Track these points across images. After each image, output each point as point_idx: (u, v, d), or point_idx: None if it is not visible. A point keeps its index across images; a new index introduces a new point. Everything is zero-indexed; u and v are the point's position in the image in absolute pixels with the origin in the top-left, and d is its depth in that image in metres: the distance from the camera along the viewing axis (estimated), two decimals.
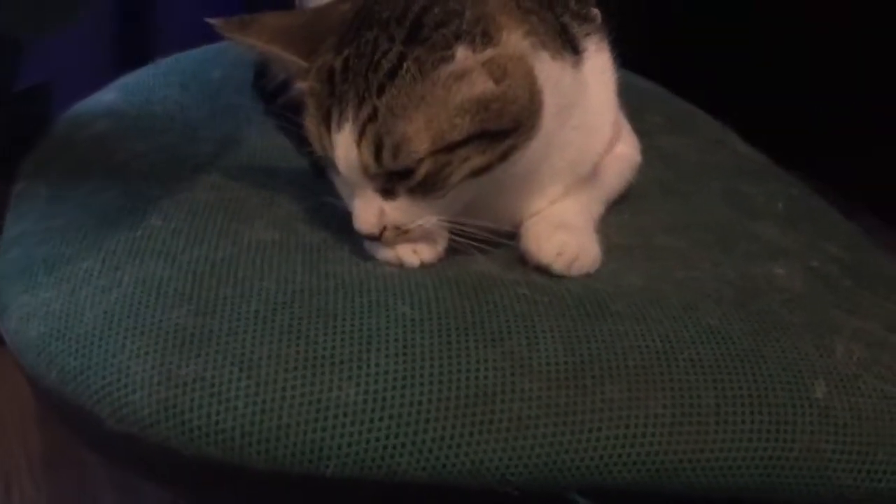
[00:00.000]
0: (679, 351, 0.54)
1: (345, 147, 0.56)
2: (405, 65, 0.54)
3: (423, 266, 0.60)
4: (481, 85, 0.55)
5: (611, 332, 0.55)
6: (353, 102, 0.55)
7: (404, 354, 0.52)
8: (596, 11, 0.71)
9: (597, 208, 0.71)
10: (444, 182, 0.56)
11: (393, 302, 0.55)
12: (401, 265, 0.59)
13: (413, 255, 0.59)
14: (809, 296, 0.63)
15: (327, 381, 0.50)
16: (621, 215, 0.74)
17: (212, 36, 0.61)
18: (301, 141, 0.67)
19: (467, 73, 0.54)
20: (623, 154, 0.74)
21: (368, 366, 0.51)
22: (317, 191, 0.65)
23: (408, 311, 0.54)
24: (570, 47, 0.64)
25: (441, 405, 0.50)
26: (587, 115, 0.65)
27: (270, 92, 0.78)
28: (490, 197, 0.62)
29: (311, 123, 0.58)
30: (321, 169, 0.63)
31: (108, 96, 0.85)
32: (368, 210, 0.57)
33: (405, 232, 0.58)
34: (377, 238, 0.58)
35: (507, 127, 0.56)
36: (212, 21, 0.60)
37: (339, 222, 0.62)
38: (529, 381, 0.51)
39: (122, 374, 0.51)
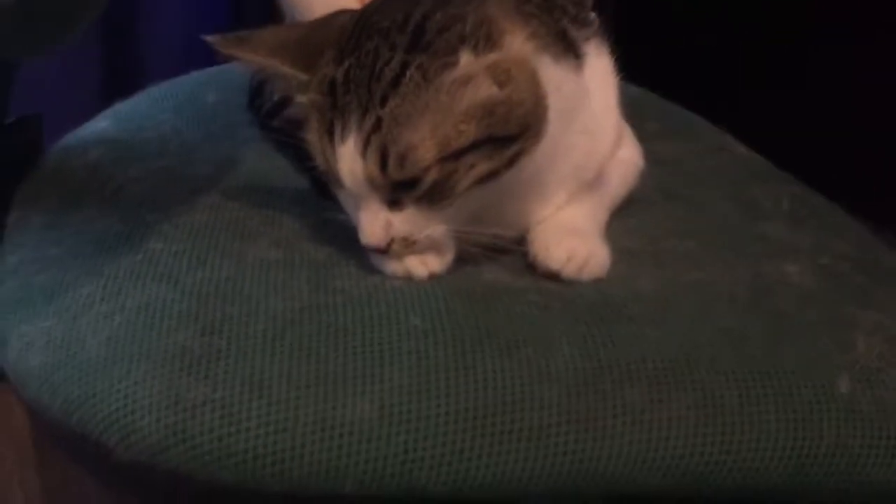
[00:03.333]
0: (699, 352, 0.53)
1: (349, 159, 0.55)
2: (408, 72, 0.53)
3: (432, 277, 0.59)
4: (486, 89, 0.54)
5: (628, 335, 0.54)
6: (356, 113, 0.54)
7: (418, 367, 0.50)
8: (594, 16, 0.71)
9: (603, 213, 0.70)
10: (451, 190, 0.55)
11: (404, 314, 0.54)
12: (409, 277, 0.58)
13: (422, 266, 0.58)
14: (824, 292, 0.62)
15: (341, 398, 0.49)
16: (627, 220, 0.73)
17: (199, 55, 0.60)
18: (300, 159, 0.67)
19: (471, 78, 0.53)
20: (626, 159, 0.74)
21: (382, 380, 0.50)
22: (319, 208, 0.64)
23: (419, 323, 0.53)
24: (571, 51, 0.64)
25: (459, 417, 0.49)
26: (591, 118, 0.65)
27: (266, 112, 0.77)
28: (497, 204, 0.61)
29: (313, 137, 0.57)
30: (323, 186, 0.62)
31: (100, 124, 0.84)
32: (375, 222, 0.56)
33: (413, 243, 0.57)
34: (384, 251, 0.57)
35: (513, 132, 0.55)
36: (209, 38, 0.59)
37: (343, 239, 0.61)
38: (548, 388, 0.50)
39: (129, 400, 0.49)
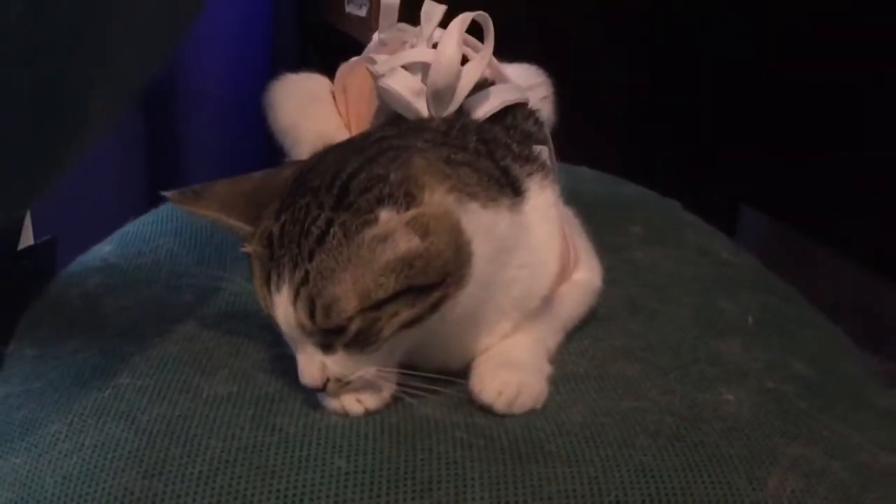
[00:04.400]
0: (606, 494, 0.55)
1: (283, 307, 0.59)
2: (332, 230, 0.58)
3: (368, 414, 0.62)
4: (405, 244, 0.58)
5: (540, 475, 0.56)
6: (288, 266, 0.59)
7: None
8: (539, 150, 0.74)
9: (553, 339, 0.72)
10: (376, 336, 0.59)
11: (330, 455, 0.58)
12: (346, 414, 0.62)
13: (357, 404, 0.62)
14: (755, 423, 0.63)
15: None
16: (582, 341, 0.76)
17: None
18: None
19: (390, 234, 0.58)
20: (581, 281, 0.77)
21: None
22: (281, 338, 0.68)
23: (343, 464, 0.57)
24: (511, 190, 0.67)
25: None
26: (530, 253, 0.68)
27: None
28: (436, 339, 0.65)
29: (255, 284, 0.62)
30: None
31: (104, 249, 0.91)
32: (311, 364, 0.60)
33: (346, 383, 0.61)
34: (322, 389, 0.61)
35: (433, 280, 0.59)
36: (166, 193, 0.65)
37: (295, 372, 0.65)
38: None
39: None
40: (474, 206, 0.62)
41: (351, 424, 0.61)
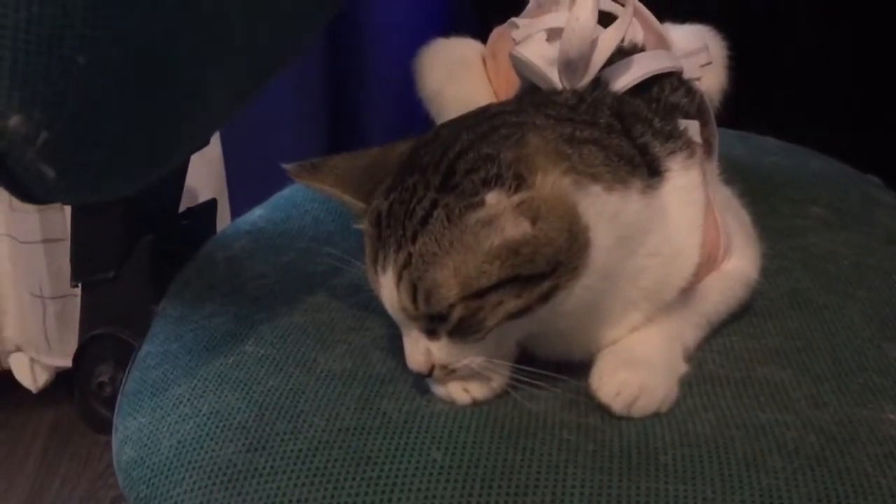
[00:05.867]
0: None
1: (388, 290, 0.57)
2: (435, 212, 0.55)
3: (476, 403, 0.60)
4: (512, 230, 0.54)
5: (648, 490, 0.51)
6: (393, 247, 0.57)
7: None
8: (686, 125, 0.67)
9: (692, 335, 0.66)
10: (479, 326, 0.56)
11: (428, 446, 0.56)
12: (453, 402, 0.60)
13: (464, 393, 0.59)
14: None
15: None
16: (729, 339, 0.69)
17: None
18: None
19: (496, 218, 0.54)
20: (732, 271, 0.70)
21: None
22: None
23: (439, 457, 0.55)
24: (648, 169, 0.62)
25: None
26: (664, 240, 0.62)
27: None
28: (556, 329, 0.61)
29: (367, 263, 0.61)
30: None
31: (256, 213, 0.93)
32: (415, 350, 0.58)
33: (452, 371, 0.58)
34: (428, 376, 0.59)
35: (542, 270, 0.55)
36: (286, 166, 0.65)
37: None
38: None
39: None
40: (596, 190, 0.57)
41: (456, 414, 0.59)
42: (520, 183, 0.54)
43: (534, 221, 0.54)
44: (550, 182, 0.55)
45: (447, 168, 0.55)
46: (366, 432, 0.57)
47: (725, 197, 0.76)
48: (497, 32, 0.89)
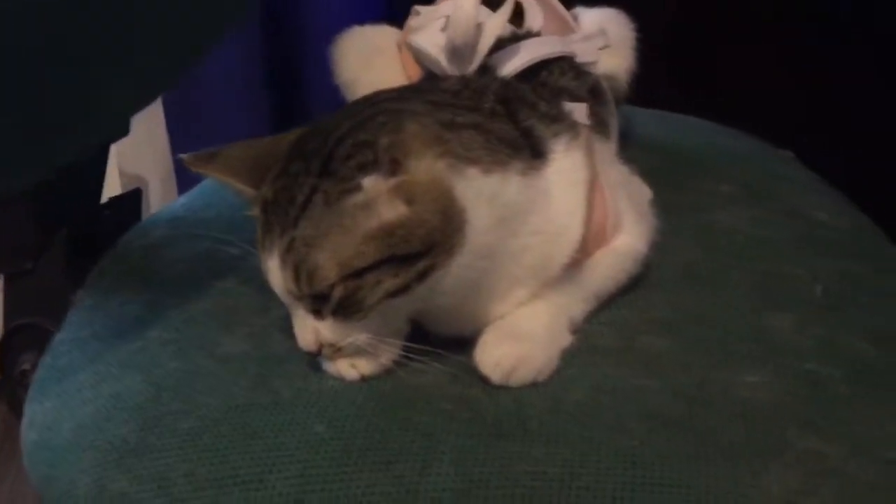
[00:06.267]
0: (577, 478, 0.53)
1: (275, 273, 0.60)
2: (315, 197, 0.57)
3: (365, 379, 0.62)
4: (387, 212, 0.57)
5: (512, 454, 0.54)
6: (278, 232, 0.59)
7: (301, 477, 0.55)
8: (572, 108, 0.70)
9: (579, 308, 0.69)
10: (360, 304, 0.58)
11: (313, 420, 0.58)
12: (342, 378, 0.62)
13: (351, 369, 0.62)
14: (770, 410, 0.58)
15: (229, 502, 0.54)
16: (619, 311, 0.72)
17: None
18: None
19: (372, 201, 0.56)
20: (620, 247, 0.72)
21: (266, 487, 0.54)
22: None
23: (322, 430, 0.57)
24: (531, 151, 0.64)
25: None
26: (547, 220, 0.64)
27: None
28: (444, 306, 0.63)
29: (257, 248, 0.63)
30: None
31: (179, 201, 0.95)
32: (304, 329, 0.61)
33: (339, 349, 0.61)
34: (318, 354, 0.62)
35: (417, 249, 0.57)
36: (182, 156, 0.67)
37: None
38: None
39: (73, 487, 0.58)
40: (473, 172, 0.59)
41: (343, 390, 0.61)
42: (395, 168, 0.56)
43: (409, 204, 0.57)
44: (425, 166, 0.57)
45: (327, 155, 0.58)
46: (255, 409, 0.60)
47: (621, 175, 0.78)
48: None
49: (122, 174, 1.56)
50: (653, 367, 0.63)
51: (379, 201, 0.57)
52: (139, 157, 1.64)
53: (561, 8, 0.87)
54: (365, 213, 0.56)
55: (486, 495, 0.52)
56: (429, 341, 0.63)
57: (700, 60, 1.45)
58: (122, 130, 0.86)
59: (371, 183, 0.56)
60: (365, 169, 0.56)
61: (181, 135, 1.66)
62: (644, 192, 0.83)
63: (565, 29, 0.84)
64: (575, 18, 0.92)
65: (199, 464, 0.57)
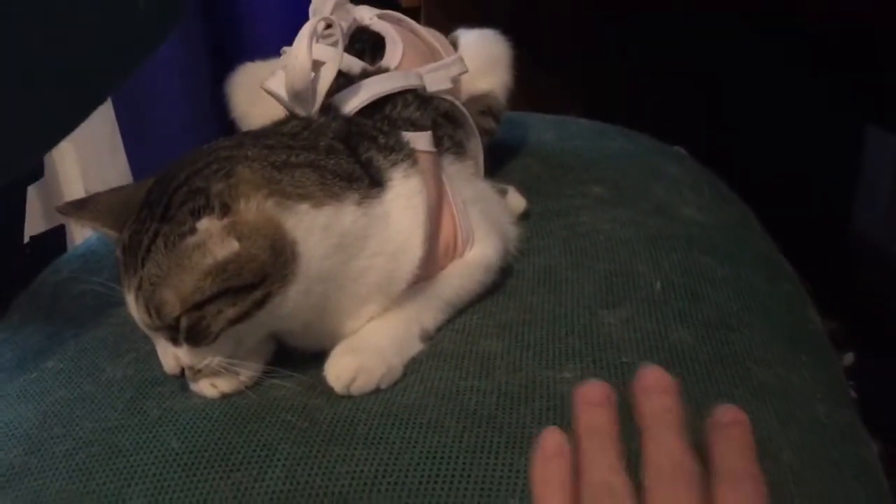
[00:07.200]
0: (389, 475, 0.60)
1: (132, 307, 0.68)
2: (157, 241, 0.65)
3: (225, 397, 0.70)
4: (219, 251, 0.64)
5: (336, 457, 0.62)
6: (131, 272, 0.67)
7: (155, 491, 0.62)
8: (410, 137, 0.77)
9: (431, 318, 0.76)
10: (206, 332, 0.66)
11: (170, 437, 0.66)
12: (205, 397, 0.70)
13: (212, 388, 0.70)
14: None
15: None
16: (471, 316, 0.79)
17: None
18: None
19: (206, 241, 0.64)
20: (472, 259, 0.80)
21: (123, 501, 0.62)
22: None
23: (176, 445, 0.65)
24: (370, 182, 0.71)
25: None
26: (387, 241, 0.72)
27: None
28: (298, 325, 0.71)
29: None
30: None
31: (95, 236, 1.02)
32: (166, 355, 0.68)
33: (198, 371, 0.69)
34: (181, 376, 0.69)
35: (251, 281, 0.64)
36: (57, 207, 0.74)
37: None
38: None
39: None
40: (304, 208, 0.67)
41: (204, 407, 0.69)
42: (226, 210, 0.64)
43: (239, 241, 0.64)
44: (254, 206, 0.65)
45: (167, 201, 0.65)
46: (125, 430, 0.68)
47: (477, 191, 0.86)
48: None
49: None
50: (484, 368, 0.70)
51: (211, 241, 0.64)
52: (101, 174, 1.72)
53: (430, 36, 0.94)
54: (200, 252, 0.64)
55: (309, 494, 0.60)
56: (293, 357, 0.71)
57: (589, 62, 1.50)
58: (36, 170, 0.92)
59: (205, 225, 0.64)
60: (198, 213, 0.64)
61: (138, 153, 1.74)
62: (515, 202, 0.90)
63: (430, 58, 0.91)
64: (454, 41, 0.99)
65: (70, 483, 0.64)
